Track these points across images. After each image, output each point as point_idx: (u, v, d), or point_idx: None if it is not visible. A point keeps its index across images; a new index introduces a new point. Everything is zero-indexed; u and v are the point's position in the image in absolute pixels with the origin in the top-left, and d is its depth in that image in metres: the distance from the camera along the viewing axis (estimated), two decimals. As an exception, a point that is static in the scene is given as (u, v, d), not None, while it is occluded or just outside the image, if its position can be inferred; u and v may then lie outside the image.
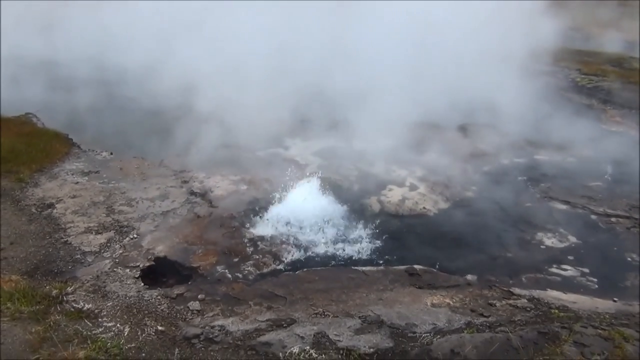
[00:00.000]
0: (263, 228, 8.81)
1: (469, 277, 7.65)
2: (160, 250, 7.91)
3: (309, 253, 8.30)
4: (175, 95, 13.25)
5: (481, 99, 14.34)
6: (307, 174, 10.64)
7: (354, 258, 8.22)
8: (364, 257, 8.26)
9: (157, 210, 9.14)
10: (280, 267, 7.84)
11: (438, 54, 14.54)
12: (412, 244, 8.81)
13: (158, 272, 7.56)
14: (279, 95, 12.89)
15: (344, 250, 8.42)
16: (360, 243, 8.62)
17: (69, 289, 6.62)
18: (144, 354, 5.59)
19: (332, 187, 10.09)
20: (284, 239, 8.53)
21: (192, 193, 9.83)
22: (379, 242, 8.70)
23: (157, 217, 8.89)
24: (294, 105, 13.08)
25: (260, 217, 9.13)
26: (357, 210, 9.69)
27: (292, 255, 8.17)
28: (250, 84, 12.76)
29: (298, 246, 8.41)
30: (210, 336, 5.94)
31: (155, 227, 8.59)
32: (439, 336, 6.03)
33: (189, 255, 7.87)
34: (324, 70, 13.77)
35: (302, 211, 9.14)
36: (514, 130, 13.51)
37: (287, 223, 8.95)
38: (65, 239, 7.99)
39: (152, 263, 7.58)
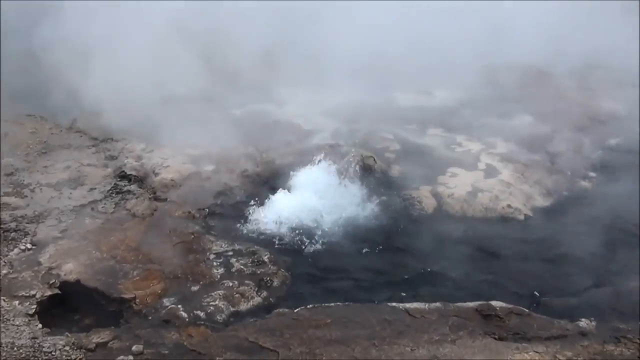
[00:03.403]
0: (240, 236, 8.91)
1: (584, 322, 7.49)
2: (70, 270, 7.84)
3: (315, 277, 8.33)
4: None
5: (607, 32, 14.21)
6: (314, 146, 10.51)
7: (390, 288, 8.15)
8: (408, 286, 8.19)
9: (65, 203, 9.08)
10: (270, 300, 7.80)
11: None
12: (489, 266, 8.73)
13: (67, 307, 7.52)
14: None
15: (372, 276, 8.40)
16: (401, 265, 8.61)
17: None
18: None
19: (358, 170, 10.12)
20: (273, 255, 8.50)
21: (124, 176, 9.77)
22: (432, 262, 8.64)
23: (66, 216, 8.84)
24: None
25: (238, 217, 9.20)
26: (398, 211, 9.67)
27: (288, 282, 8.14)
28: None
29: (296, 266, 8.44)
30: (152, 415, 5.84)
31: (61, 231, 8.55)
32: (533, 422, 5.92)
33: (118, 279, 7.82)
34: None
35: (304, 209, 9.23)
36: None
37: (279, 227, 9.06)
38: None
39: (57, 291, 7.54)
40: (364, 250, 8.89)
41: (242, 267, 8.23)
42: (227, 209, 9.41)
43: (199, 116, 11.06)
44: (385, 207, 9.62)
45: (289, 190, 9.59)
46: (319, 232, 9.03)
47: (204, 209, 9.31)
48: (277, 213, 9.22)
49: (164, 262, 8.17)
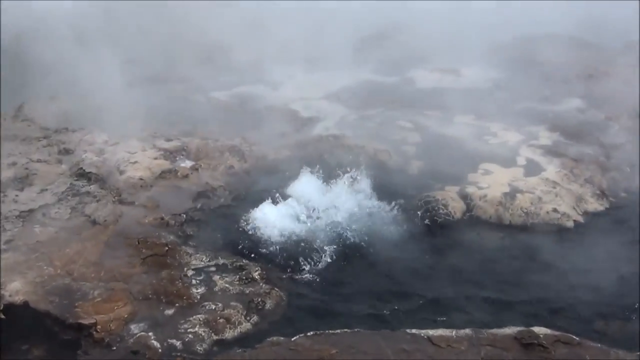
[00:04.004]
0: (224, 247, 8.82)
1: (648, 352, 7.41)
2: (17, 290, 7.76)
3: (316, 298, 8.24)
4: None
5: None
6: (315, 138, 10.49)
7: (407, 311, 8.05)
8: (429, 309, 8.12)
9: (9, 208, 9.07)
10: (261, 326, 7.67)
11: None
12: (530, 285, 8.62)
13: (12, 335, 7.44)
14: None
15: (386, 297, 8.32)
16: (420, 283, 8.53)
17: None
18: None
19: (369, 167, 10.04)
20: (265, 271, 8.44)
21: (82, 174, 9.81)
22: (460, 279, 8.59)
23: (11, 223, 8.80)
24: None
25: (222, 224, 9.21)
26: (418, 216, 9.64)
27: (283, 303, 8.04)
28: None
29: (293, 285, 8.37)
30: None
31: (6, 243, 8.48)
32: None
33: (75, 301, 7.73)
34: None
35: (303, 216, 9.26)
36: None
37: (272, 237, 9.02)
38: None
39: (1, 316, 7.50)
40: (375, 266, 8.85)
41: (227, 285, 8.15)
42: (208, 215, 9.39)
43: (175, 101, 11.00)
44: (403, 212, 9.58)
45: (284, 192, 9.58)
46: (321, 244, 8.97)
47: (180, 215, 9.26)
48: (270, 219, 9.20)
49: (131, 280, 8.09)
